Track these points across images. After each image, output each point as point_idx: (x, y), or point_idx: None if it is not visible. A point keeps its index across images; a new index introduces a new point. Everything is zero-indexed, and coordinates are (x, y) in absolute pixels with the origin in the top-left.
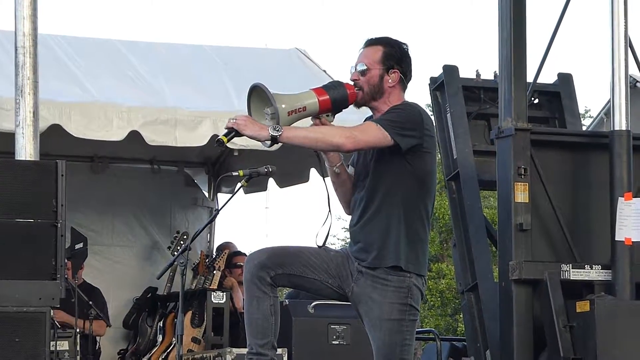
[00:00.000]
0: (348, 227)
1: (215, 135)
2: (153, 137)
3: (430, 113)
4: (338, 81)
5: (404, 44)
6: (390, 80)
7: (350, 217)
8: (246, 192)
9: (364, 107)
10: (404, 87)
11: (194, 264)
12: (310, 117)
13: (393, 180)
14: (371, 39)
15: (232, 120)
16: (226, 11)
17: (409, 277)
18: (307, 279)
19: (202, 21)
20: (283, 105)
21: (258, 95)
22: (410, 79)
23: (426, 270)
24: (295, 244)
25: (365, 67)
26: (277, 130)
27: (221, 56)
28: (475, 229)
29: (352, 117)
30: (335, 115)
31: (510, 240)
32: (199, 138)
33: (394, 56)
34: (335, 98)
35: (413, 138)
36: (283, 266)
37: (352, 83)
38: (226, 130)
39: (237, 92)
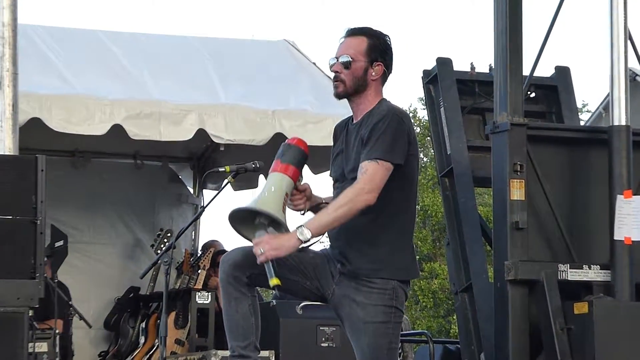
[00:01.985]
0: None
1: (201, 130)
2: (136, 131)
3: (422, 107)
4: (285, 144)
5: (387, 35)
6: (374, 74)
7: None
8: (235, 189)
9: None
10: (384, 81)
11: (178, 262)
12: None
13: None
14: (354, 28)
15: (259, 255)
16: (212, 1)
17: (393, 280)
18: (284, 279)
19: (187, 12)
20: (271, 209)
21: (240, 214)
22: (391, 72)
23: (415, 273)
24: None
25: (349, 59)
26: (305, 234)
27: (207, 48)
28: (470, 228)
29: (341, 111)
30: (324, 110)
31: (506, 239)
32: (184, 132)
33: (378, 48)
34: (297, 162)
35: (403, 151)
36: (259, 266)
37: (296, 136)
38: (265, 267)
39: (223, 84)
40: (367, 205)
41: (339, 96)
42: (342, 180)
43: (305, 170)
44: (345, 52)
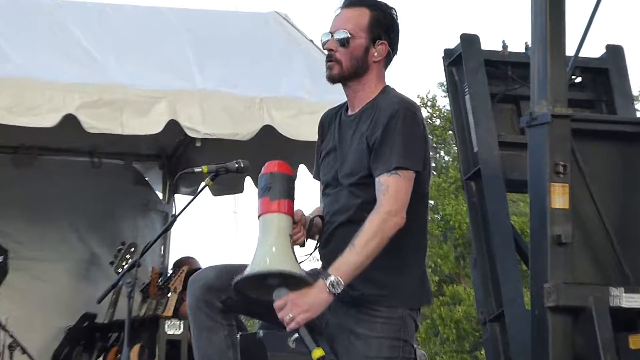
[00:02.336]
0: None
1: (172, 121)
2: (93, 122)
3: (443, 94)
4: (266, 176)
5: (392, 8)
6: (376, 54)
7: None
8: (215, 194)
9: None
10: (387, 64)
11: (143, 284)
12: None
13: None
14: None
15: (288, 321)
16: None
17: (401, 307)
18: (267, 306)
19: None
20: (285, 265)
21: (249, 283)
22: (396, 53)
23: (427, 299)
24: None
25: (347, 35)
26: (336, 284)
27: (182, 20)
28: (501, 242)
29: (344, 99)
30: (322, 97)
31: (546, 256)
32: (151, 124)
33: (382, 23)
34: (288, 193)
35: (423, 156)
36: None
37: (273, 159)
38: (300, 336)
39: (200, 65)
40: (398, 229)
41: (332, 79)
42: (336, 186)
43: (304, 171)
44: (343, 26)
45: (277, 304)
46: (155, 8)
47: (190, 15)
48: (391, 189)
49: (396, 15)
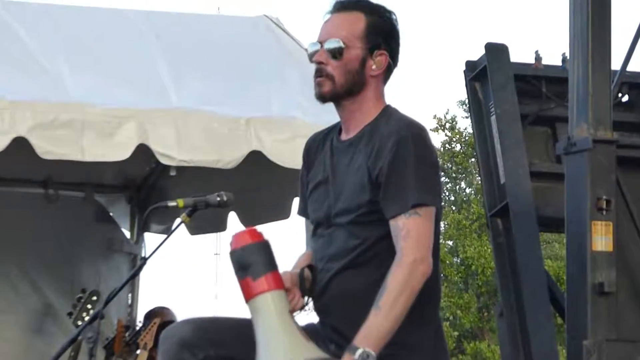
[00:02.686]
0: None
1: (142, 145)
2: (48, 147)
3: (465, 114)
4: (238, 251)
5: (392, 12)
6: (374, 67)
7: None
8: (193, 233)
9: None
10: (387, 77)
11: (107, 339)
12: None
13: (380, 234)
14: (346, 0)
15: None
16: None
17: None
18: None
19: None
20: (297, 353)
21: None
22: (396, 65)
23: (445, 357)
24: (233, 315)
25: (340, 44)
26: (367, 359)
27: (152, 26)
28: (532, 290)
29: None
30: (320, 117)
31: (585, 307)
32: (117, 149)
33: (381, 30)
34: (271, 263)
35: (439, 185)
36: (216, 345)
37: (240, 229)
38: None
39: (175, 79)
40: (426, 278)
41: (323, 98)
42: (329, 225)
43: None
44: (335, 34)
45: None
46: (117, 10)
47: (161, 18)
48: (412, 233)
49: (396, 21)
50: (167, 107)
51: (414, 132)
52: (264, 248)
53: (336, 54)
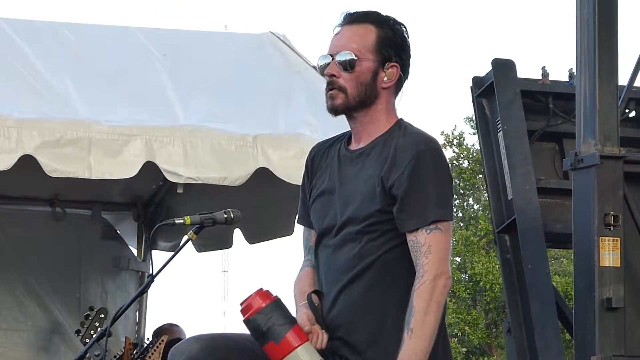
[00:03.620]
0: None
1: (149, 163)
2: (55, 165)
3: (472, 130)
4: (256, 317)
5: (402, 24)
6: (385, 79)
7: None
8: (200, 250)
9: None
10: (398, 89)
11: (115, 357)
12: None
13: (389, 245)
14: (355, 13)
15: None
16: None
17: None
18: None
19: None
20: None
21: None
22: (407, 78)
23: None
24: (243, 332)
25: (352, 57)
26: None
27: (159, 43)
28: (540, 306)
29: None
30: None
31: (593, 323)
32: (124, 167)
33: (393, 42)
34: (288, 319)
35: (453, 199)
36: None
37: (257, 293)
38: None
39: (182, 96)
40: (448, 290)
41: (335, 111)
42: (335, 234)
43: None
44: (346, 46)
45: None
46: (124, 28)
47: (168, 36)
48: (434, 248)
49: (407, 33)
50: (174, 124)
51: (432, 147)
52: (278, 307)
53: (348, 66)
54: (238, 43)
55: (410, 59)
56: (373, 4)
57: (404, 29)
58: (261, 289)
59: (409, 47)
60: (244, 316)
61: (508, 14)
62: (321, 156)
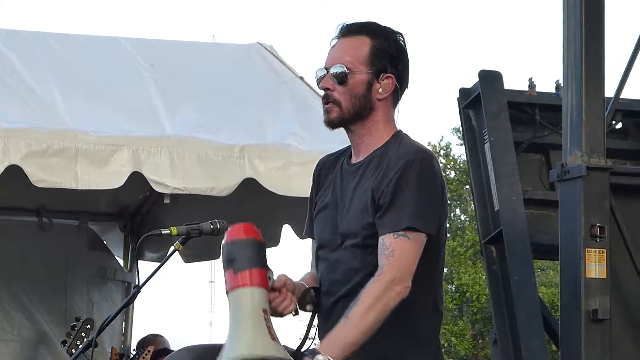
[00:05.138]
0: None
1: (136, 173)
2: (41, 175)
3: (459, 141)
4: (229, 244)
5: (399, 33)
6: (381, 90)
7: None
8: (187, 260)
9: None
10: (396, 100)
11: None
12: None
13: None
14: (350, 25)
15: None
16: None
17: None
18: None
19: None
20: (255, 349)
21: None
22: (406, 87)
23: None
24: None
25: (344, 69)
26: None
27: (146, 53)
28: (527, 318)
29: (331, 146)
30: (315, 145)
31: (579, 335)
32: (111, 177)
33: (387, 52)
34: (258, 260)
35: (437, 220)
36: None
37: (236, 224)
38: None
39: (169, 107)
40: (402, 300)
41: (332, 124)
42: (333, 248)
43: (289, 234)
44: (339, 59)
45: None
46: (111, 38)
47: (155, 46)
48: (397, 253)
49: (404, 42)
50: (161, 134)
51: (422, 157)
52: (255, 246)
53: (341, 78)
54: (225, 53)
55: (408, 69)
56: (360, 14)
57: (401, 39)
58: (252, 225)
59: (405, 57)
60: (224, 239)
61: (495, 26)
62: (327, 169)
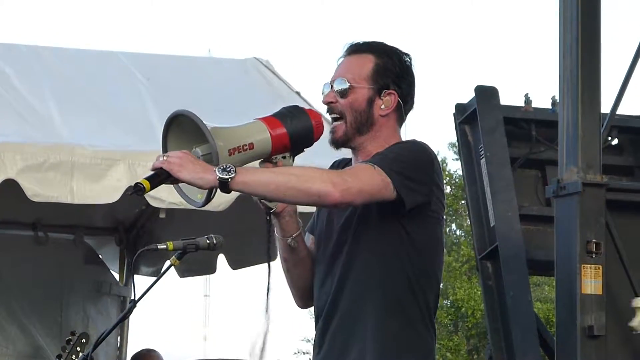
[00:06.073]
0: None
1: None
2: (37, 189)
3: (455, 157)
4: (295, 106)
5: (406, 54)
6: (383, 106)
7: (304, 309)
8: (183, 275)
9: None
10: (401, 118)
11: None
12: (259, 161)
13: (378, 259)
14: (357, 43)
15: (161, 158)
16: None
17: None
18: None
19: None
20: (220, 143)
21: (181, 128)
22: (411, 106)
23: None
24: (226, 357)
25: (347, 85)
26: (229, 172)
27: (142, 68)
28: (522, 333)
29: (328, 160)
30: (313, 160)
31: (575, 351)
32: (107, 192)
33: (390, 71)
34: (294, 131)
35: (419, 194)
36: None
37: (317, 109)
38: (152, 172)
39: (164, 121)
40: (319, 197)
41: (337, 144)
42: (329, 248)
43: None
44: (343, 74)
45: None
46: (107, 52)
47: (151, 60)
48: (356, 167)
49: (410, 62)
50: (157, 149)
51: (415, 140)
52: (306, 128)
53: (345, 93)
54: (222, 68)
55: (414, 88)
56: (357, 30)
57: (406, 59)
58: (322, 121)
59: (410, 76)
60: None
61: (491, 42)
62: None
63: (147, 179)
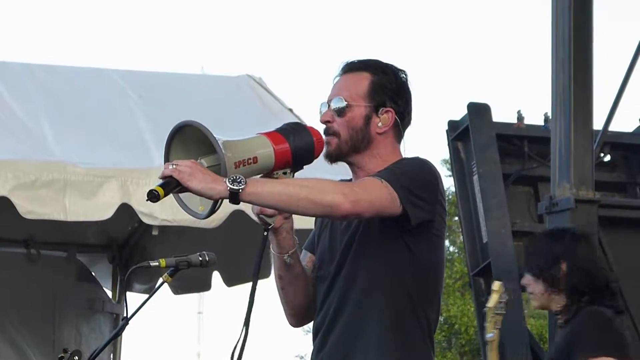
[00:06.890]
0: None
1: (124, 205)
2: (30, 206)
3: (447, 173)
4: (297, 122)
5: (402, 71)
6: (380, 124)
7: (297, 328)
8: (176, 292)
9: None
10: (399, 135)
11: None
12: (259, 176)
13: (380, 277)
14: (353, 62)
15: (171, 166)
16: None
17: None
18: None
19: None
20: (229, 154)
21: (185, 139)
22: (409, 123)
23: None
24: None
25: (343, 104)
26: (239, 182)
27: (135, 85)
28: (515, 350)
29: (323, 176)
30: (306, 177)
31: None
32: (99, 209)
33: (387, 88)
34: (297, 147)
35: (424, 210)
36: None
37: (317, 127)
38: (162, 181)
39: (157, 138)
40: (330, 209)
41: (331, 157)
42: (330, 268)
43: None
44: (339, 93)
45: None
46: (100, 70)
47: (144, 78)
48: (366, 181)
49: (406, 79)
50: (149, 166)
51: (417, 157)
52: (308, 143)
53: (342, 112)
54: (215, 85)
55: (411, 105)
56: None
57: (403, 76)
58: (321, 137)
59: (407, 93)
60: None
61: (483, 58)
62: None
63: (161, 186)
